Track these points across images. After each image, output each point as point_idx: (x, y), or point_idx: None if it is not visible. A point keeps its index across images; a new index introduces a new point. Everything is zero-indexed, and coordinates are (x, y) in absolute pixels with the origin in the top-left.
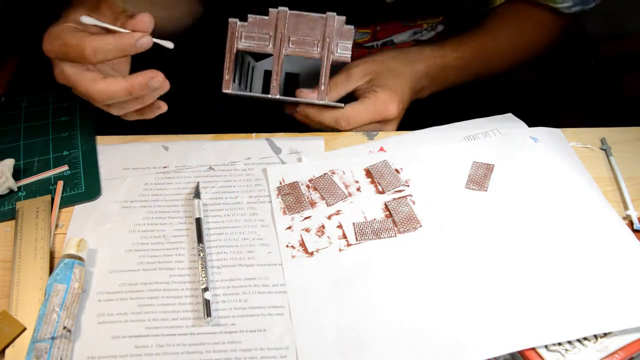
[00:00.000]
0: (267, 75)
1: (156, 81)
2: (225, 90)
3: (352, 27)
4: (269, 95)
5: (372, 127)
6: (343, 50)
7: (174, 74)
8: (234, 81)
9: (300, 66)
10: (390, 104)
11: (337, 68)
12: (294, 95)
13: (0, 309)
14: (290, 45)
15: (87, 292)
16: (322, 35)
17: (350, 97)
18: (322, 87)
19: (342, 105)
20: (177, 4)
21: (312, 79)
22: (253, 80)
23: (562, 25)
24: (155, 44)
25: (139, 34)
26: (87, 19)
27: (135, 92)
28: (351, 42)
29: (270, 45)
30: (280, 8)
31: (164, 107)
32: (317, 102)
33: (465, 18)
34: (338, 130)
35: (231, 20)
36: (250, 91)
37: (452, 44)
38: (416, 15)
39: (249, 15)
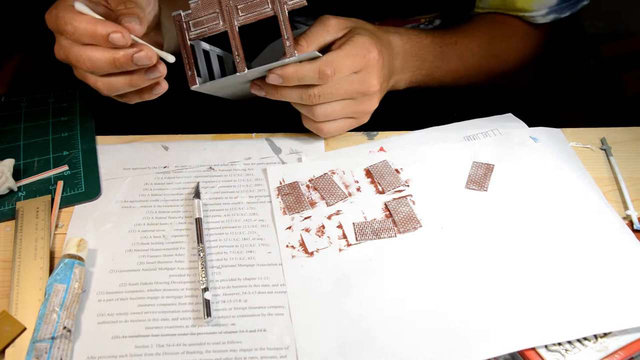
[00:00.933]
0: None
1: (142, 56)
2: (192, 87)
3: None
4: (238, 73)
5: (353, 103)
6: None
7: (174, 74)
8: (199, 75)
9: (270, 57)
10: (371, 47)
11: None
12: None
13: (0, 309)
14: (240, 14)
15: (87, 292)
16: None
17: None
18: (288, 43)
19: (316, 52)
20: None
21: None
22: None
23: (537, 38)
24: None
25: (113, 29)
26: (79, 6)
27: (119, 64)
28: None
29: (221, 22)
30: None
31: (164, 85)
32: (288, 60)
33: (462, 14)
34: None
35: (174, 13)
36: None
37: (428, 31)
38: (416, 11)
39: (190, 2)
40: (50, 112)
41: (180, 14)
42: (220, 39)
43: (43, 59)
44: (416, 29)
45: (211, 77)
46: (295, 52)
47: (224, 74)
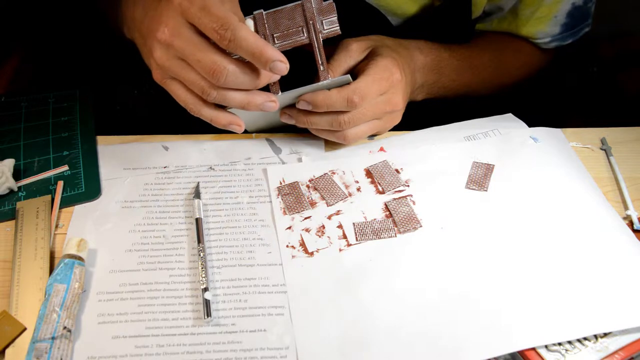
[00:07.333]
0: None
1: (282, 67)
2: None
3: (331, 0)
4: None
5: (379, 122)
6: (330, 25)
7: None
8: None
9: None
10: (393, 68)
11: (332, 52)
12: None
13: (0, 309)
14: (276, 42)
15: (87, 292)
16: (304, 20)
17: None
18: (322, 67)
19: (349, 76)
20: None
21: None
22: None
23: (543, 57)
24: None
25: (280, 57)
26: (251, 23)
27: (260, 85)
28: (335, 15)
29: None
30: (255, 12)
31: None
32: (322, 83)
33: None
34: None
35: None
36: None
37: (446, 45)
38: (420, 37)
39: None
40: (50, 112)
41: None
42: None
43: (43, 59)
44: (435, 43)
45: None
46: (329, 75)
47: None
